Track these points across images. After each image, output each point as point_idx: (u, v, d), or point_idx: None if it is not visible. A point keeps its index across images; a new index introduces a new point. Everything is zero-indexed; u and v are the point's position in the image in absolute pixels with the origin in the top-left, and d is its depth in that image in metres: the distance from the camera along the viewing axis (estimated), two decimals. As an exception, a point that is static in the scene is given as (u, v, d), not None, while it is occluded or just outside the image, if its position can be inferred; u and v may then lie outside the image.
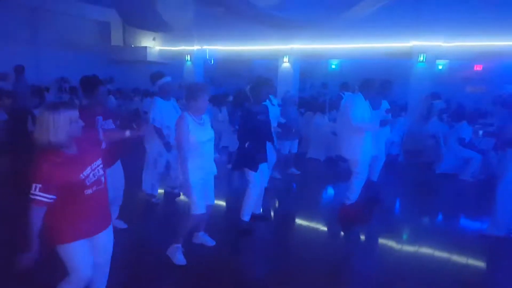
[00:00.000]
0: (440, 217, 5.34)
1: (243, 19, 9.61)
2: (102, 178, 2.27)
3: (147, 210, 4.96)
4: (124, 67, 14.35)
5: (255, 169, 4.09)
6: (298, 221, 4.95)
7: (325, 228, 4.68)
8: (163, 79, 4.73)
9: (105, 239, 2.39)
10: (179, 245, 3.48)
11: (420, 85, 9.42)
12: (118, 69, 14.17)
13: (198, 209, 3.38)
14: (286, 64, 11.55)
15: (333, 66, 12.84)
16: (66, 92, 11.54)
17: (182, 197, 5.25)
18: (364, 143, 4.56)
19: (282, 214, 5.18)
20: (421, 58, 9.41)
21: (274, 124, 5.42)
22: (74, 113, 2.09)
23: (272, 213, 5.11)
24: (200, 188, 3.34)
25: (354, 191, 4.71)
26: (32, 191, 1.98)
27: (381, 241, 4.31)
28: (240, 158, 4.16)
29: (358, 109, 4.45)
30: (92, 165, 2.20)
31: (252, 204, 4.23)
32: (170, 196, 5.43)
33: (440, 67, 10.95)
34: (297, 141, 6.68)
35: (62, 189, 2.07)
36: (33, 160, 2.05)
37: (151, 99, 4.97)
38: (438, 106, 8.21)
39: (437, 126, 7.72)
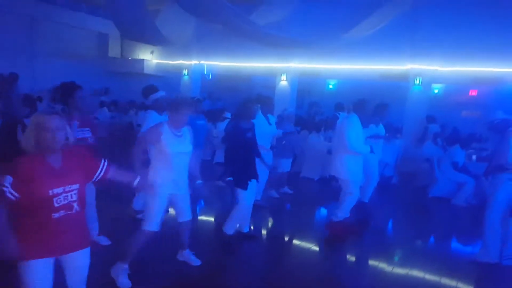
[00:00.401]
0: (432, 240, 5.36)
1: (242, 36, 9.77)
2: (75, 205, 2.13)
3: (134, 227, 4.89)
4: (121, 79, 14.42)
5: (245, 187, 4.10)
6: (287, 239, 4.97)
7: (315, 248, 4.69)
8: (157, 94, 4.76)
9: (78, 260, 2.26)
10: (126, 265, 3.26)
11: (416, 108, 9.58)
12: (115, 81, 14.25)
13: (152, 225, 3.26)
14: (283, 82, 11.68)
15: (331, 86, 13.01)
16: (59, 102, 11.56)
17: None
18: (356, 164, 4.64)
19: (271, 233, 5.19)
20: (417, 81, 9.60)
21: (272, 142, 5.49)
22: (59, 122, 2.06)
23: (262, 232, 5.13)
24: (161, 203, 3.26)
25: (343, 210, 4.77)
26: (2, 183, 1.96)
27: (372, 262, 4.33)
28: (230, 175, 4.21)
29: (354, 130, 4.52)
30: (66, 187, 2.09)
31: (237, 220, 4.26)
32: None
33: (436, 90, 11.15)
34: (290, 159, 6.68)
35: (27, 197, 2.01)
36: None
37: (145, 112, 5.03)
38: (433, 130, 8.34)
39: (431, 149, 7.82)
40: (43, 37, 12.70)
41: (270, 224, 5.54)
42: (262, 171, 5.32)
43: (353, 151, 4.53)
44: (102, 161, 2.34)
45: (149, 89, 4.83)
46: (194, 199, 4.77)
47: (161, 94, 4.79)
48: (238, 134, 4.13)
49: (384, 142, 7.54)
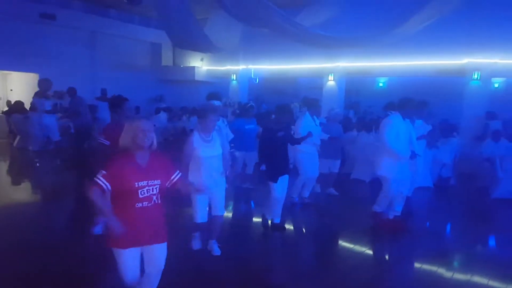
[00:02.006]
0: (495, 245, 5.02)
1: (288, 38, 9.78)
2: (154, 198, 2.48)
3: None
4: (174, 86, 14.96)
5: (275, 180, 4.54)
6: (334, 239, 4.89)
7: (363, 249, 4.54)
8: (213, 102, 4.92)
9: (157, 252, 2.57)
10: (214, 241, 3.92)
11: (474, 104, 9.01)
12: (168, 88, 14.82)
13: (198, 217, 3.75)
14: (331, 82, 11.54)
15: (381, 84, 12.66)
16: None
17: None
18: (395, 163, 4.64)
19: (316, 231, 5.24)
20: (476, 76, 9.03)
21: (317, 142, 5.56)
22: (150, 125, 2.46)
23: (303, 228, 5.27)
24: (201, 199, 3.70)
25: (379, 203, 4.89)
26: (97, 175, 2.34)
27: (430, 267, 4.11)
28: (265, 172, 4.63)
29: (393, 129, 4.52)
30: (150, 181, 2.44)
31: (279, 209, 4.71)
32: None
33: (496, 85, 10.42)
34: (339, 160, 6.57)
35: (117, 188, 2.37)
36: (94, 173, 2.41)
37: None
38: (494, 127, 7.80)
39: (492, 147, 7.31)
40: (102, 50, 13.53)
41: (315, 222, 5.54)
42: (311, 171, 5.60)
43: (392, 151, 4.57)
44: (177, 171, 2.67)
45: (211, 95, 5.12)
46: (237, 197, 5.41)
47: (217, 104, 4.94)
48: (270, 133, 4.55)
49: (441, 142, 7.22)
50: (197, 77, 14.44)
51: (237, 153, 6.21)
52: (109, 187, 2.36)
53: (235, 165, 5.46)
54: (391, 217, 4.99)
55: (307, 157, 5.54)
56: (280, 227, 4.83)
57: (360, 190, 7.42)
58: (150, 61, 15.47)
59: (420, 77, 10.04)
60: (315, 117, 5.68)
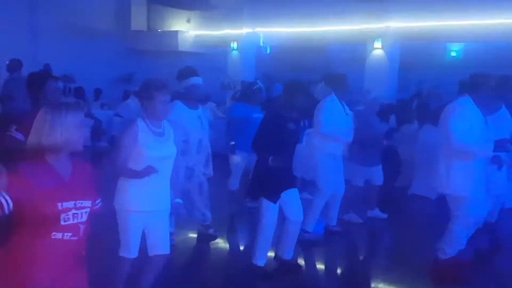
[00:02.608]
0: None
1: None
2: (82, 228, 2.37)
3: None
4: (148, 60, 14.84)
5: (275, 200, 4.35)
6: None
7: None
8: (191, 80, 4.97)
9: None
10: None
11: None
12: (140, 63, 14.69)
13: (129, 250, 3.53)
14: (378, 50, 11.45)
15: (453, 54, 12.54)
16: (71, 94, 12.01)
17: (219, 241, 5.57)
18: (472, 172, 4.38)
19: (331, 269, 5.22)
20: None
21: (348, 139, 5.55)
22: (80, 116, 2.38)
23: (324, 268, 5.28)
24: (138, 222, 3.51)
25: (453, 242, 4.62)
26: None
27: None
28: (257, 182, 4.52)
29: (463, 121, 4.34)
30: (77, 202, 2.32)
31: (267, 245, 4.53)
32: (204, 237, 5.53)
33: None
34: (380, 167, 6.48)
35: (26, 210, 2.21)
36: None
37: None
38: None
39: None
40: (46, 11, 13.34)
41: (340, 259, 5.50)
42: (340, 184, 5.64)
43: (462, 150, 4.38)
44: (99, 198, 2.56)
45: (185, 72, 5.03)
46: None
47: (197, 81, 5.01)
48: (277, 122, 4.42)
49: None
50: (181, 47, 14.36)
51: (237, 157, 6.20)
52: (11, 206, 2.17)
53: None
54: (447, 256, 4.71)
55: (331, 163, 5.46)
56: (292, 266, 4.75)
57: (422, 211, 7.26)
58: (114, 24, 15.32)
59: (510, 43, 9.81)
60: (343, 103, 5.61)
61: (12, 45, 11.82)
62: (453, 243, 4.60)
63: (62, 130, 2.28)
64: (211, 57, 13.83)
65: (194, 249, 5.40)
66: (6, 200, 2.16)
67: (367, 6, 10.71)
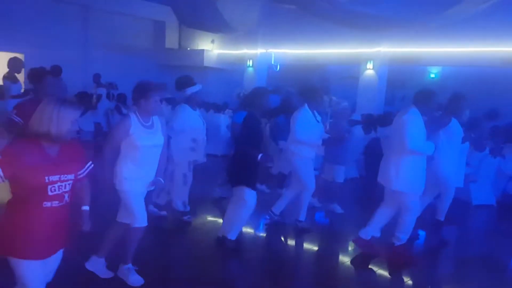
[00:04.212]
0: None
1: (318, 16, 9.40)
2: (66, 196, 2.45)
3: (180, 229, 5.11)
4: (178, 73, 14.60)
5: (254, 187, 4.38)
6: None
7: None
8: (193, 88, 4.95)
9: (53, 263, 2.56)
10: (129, 265, 3.61)
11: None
12: (172, 75, 14.51)
13: (139, 221, 3.48)
14: (370, 71, 11.31)
15: (433, 75, 12.37)
16: (114, 99, 12.04)
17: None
18: (415, 171, 4.34)
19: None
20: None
21: (317, 142, 5.28)
22: (74, 113, 2.40)
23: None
24: (139, 197, 3.50)
25: (406, 230, 4.54)
26: None
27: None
28: (237, 172, 4.40)
29: (415, 128, 4.25)
30: (62, 175, 2.39)
31: (242, 224, 4.56)
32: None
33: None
34: (342, 167, 6.12)
35: (18, 182, 2.31)
36: None
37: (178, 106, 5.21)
38: None
39: None
40: (95, 29, 13.39)
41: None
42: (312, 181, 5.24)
43: (414, 152, 4.28)
44: (90, 162, 2.67)
45: (185, 81, 4.99)
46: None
47: (198, 88, 4.99)
48: (256, 124, 4.40)
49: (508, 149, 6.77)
50: (206, 63, 14.23)
51: None
52: (3, 177, 2.26)
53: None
54: (397, 243, 4.60)
55: (307, 164, 5.16)
56: (236, 247, 4.57)
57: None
58: (151, 42, 15.34)
59: (482, 67, 9.71)
60: (316, 112, 5.24)
61: (67, 57, 11.91)
62: (404, 231, 4.53)
63: (57, 122, 2.31)
64: (230, 72, 13.78)
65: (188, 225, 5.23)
66: None
67: (361, 33, 10.57)
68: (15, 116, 3.71)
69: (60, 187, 2.39)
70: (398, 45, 10.74)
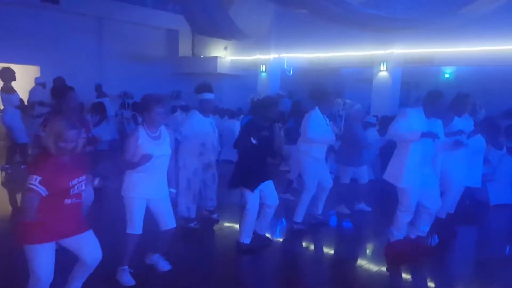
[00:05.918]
0: None
1: (331, 20, 9.43)
2: (82, 193, 2.94)
3: (185, 236, 5.02)
4: (193, 80, 14.72)
5: (253, 189, 4.42)
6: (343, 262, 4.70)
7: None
8: (205, 95, 5.02)
9: (84, 240, 2.94)
10: (125, 266, 3.75)
11: None
12: (186, 83, 14.73)
13: (135, 228, 3.66)
14: (383, 72, 11.33)
15: (447, 75, 12.24)
16: (129, 108, 12.20)
17: (225, 224, 5.57)
18: (411, 166, 4.33)
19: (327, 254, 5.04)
20: None
21: (331, 142, 5.44)
22: (78, 132, 2.83)
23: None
24: (141, 206, 3.65)
25: (398, 226, 4.57)
26: (31, 182, 2.63)
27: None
28: (238, 175, 4.52)
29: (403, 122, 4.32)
30: (79, 178, 2.88)
31: (251, 227, 4.59)
32: (208, 222, 5.50)
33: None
34: (364, 168, 6.23)
35: (52, 190, 2.70)
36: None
37: (188, 113, 5.36)
38: None
39: None
40: (110, 39, 13.67)
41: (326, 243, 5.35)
42: (327, 180, 5.41)
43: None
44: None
45: (202, 86, 5.06)
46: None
47: (209, 97, 5.07)
48: (255, 130, 4.39)
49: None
50: (219, 69, 14.38)
51: None
52: (46, 192, 2.67)
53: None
54: (413, 236, 4.72)
55: (316, 165, 5.22)
56: (264, 241, 4.74)
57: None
58: (165, 51, 15.55)
59: (497, 65, 9.62)
60: (325, 115, 5.28)
61: (83, 67, 12.26)
62: (398, 226, 4.54)
63: (61, 140, 2.71)
64: (244, 78, 13.93)
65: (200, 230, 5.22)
66: (41, 189, 2.64)
67: (374, 35, 10.56)
68: (42, 132, 3.78)
69: (78, 187, 2.87)
70: (411, 46, 10.76)
